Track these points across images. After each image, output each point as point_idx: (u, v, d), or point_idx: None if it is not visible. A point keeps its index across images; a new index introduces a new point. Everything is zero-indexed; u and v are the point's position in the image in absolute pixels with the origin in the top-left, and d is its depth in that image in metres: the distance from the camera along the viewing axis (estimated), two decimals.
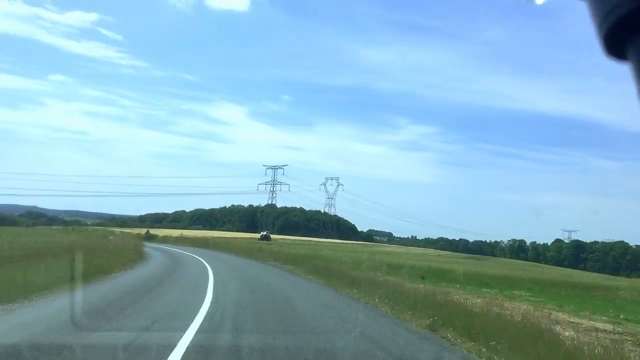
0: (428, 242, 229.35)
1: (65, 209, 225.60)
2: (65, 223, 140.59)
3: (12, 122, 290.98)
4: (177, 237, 66.93)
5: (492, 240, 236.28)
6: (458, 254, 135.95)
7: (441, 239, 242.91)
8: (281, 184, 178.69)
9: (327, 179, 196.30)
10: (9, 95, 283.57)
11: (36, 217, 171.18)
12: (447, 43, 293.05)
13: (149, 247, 47.51)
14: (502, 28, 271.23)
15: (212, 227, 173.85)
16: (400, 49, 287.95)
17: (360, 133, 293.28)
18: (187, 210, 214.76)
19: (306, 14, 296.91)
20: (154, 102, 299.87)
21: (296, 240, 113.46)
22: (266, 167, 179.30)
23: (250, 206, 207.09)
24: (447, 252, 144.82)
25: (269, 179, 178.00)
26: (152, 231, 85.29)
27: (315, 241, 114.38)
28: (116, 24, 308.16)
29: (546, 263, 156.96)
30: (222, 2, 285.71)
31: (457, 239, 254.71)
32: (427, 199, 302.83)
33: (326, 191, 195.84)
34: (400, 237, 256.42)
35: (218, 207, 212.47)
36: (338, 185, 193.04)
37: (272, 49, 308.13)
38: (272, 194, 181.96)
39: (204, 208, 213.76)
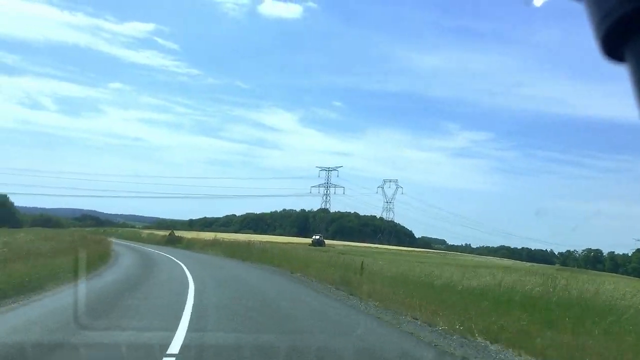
0: (489, 251, 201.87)
1: (122, 212, 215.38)
2: (114, 225, 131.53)
3: (74, 128, 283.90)
4: (207, 241, 43.22)
5: (554, 250, 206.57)
6: (547, 265, 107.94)
7: (502, 247, 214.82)
8: (335, 186, 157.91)
9: (384, 181, 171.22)
10: (70, 103, 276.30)
11: (88, 220, 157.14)
12: (499, 47, 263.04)
13: (147, 253, 23.90)
14: (556, 30, 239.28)
15: (262, 232, 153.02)
16: (452, 54, 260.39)
17: (412, 139, 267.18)
18: (237, 215, 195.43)
19: (357, 20, 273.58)
20: (207, 109, 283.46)
21: (358, 246, 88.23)
22: (319, 169, 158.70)
23: (302, 210, 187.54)
24: (532, 263, 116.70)
25: (322, 181, 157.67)
26: (194, 234, 62.52)
27: (384, 249, 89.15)
28: (172, 33, 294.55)
29: (627, 275, 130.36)
30: (275, 10, 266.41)
31: (518, 247, 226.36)
32: (479, 206, 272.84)
33: (384, 194, 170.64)
34: (453, 245, 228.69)
35: (269, 212, 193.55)
36: (397, 188, 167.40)
37: (324, 56, 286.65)
38: (326, 197, 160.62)
39: (255, 212, 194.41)
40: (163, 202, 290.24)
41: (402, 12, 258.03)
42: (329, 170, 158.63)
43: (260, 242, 39.21)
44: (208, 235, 51.83)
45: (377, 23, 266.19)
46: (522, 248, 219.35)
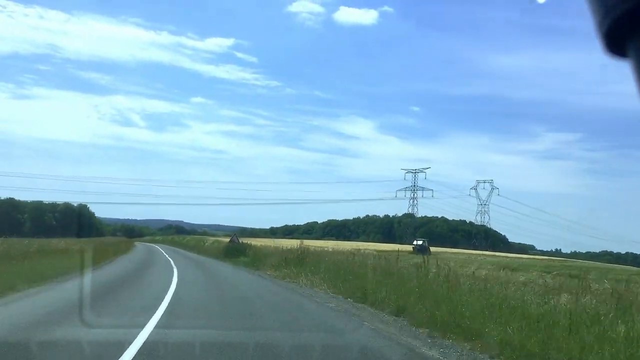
0: (591, 256, 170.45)
1: (207, 222, 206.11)
2: (194, 233, 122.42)
3: (161, 143, 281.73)
4: (287, 253, 22.01)
5: None
6: None
7: (605, 252, 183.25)
8: (423, 189, 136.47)
9: (477, 182, 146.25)
10: (157, 119, 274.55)
11: (171, 229, 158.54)
12: (585, 44, 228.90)
13: None
14: None
15: (345, 238, 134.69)
16: (534, 54, 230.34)
17: (495, 143, 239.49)
18: (319, 222, 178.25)
19: (434, 24, 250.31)
20: (287, 119, 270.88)
21: (462, 253, 64.98)
22: (405, 172, 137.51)
23: (386, 216, 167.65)
24: None
25: (408, 184, 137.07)
26: (268, 240, 43.38)
27: (501, 256, 66.02)
28: (251, 46, 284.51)
29: None
30: (351, 17, 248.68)
31: (622, 252, 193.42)
32: (570, 210, 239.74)
33: (477, 196, 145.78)
34: (542, 249, 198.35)
35: (351, 218, 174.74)
36: (492, 189, 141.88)
37: (401, 61, 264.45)
38: (413, 200, 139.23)
39: (336, 219, 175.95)
40: (246, 211, 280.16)
41: (481, 12, 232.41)
42: (415, 172, 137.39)
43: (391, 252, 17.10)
44: (288, 243, 30.51)
45: (455, 25, 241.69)
46: (627, 253, 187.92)
